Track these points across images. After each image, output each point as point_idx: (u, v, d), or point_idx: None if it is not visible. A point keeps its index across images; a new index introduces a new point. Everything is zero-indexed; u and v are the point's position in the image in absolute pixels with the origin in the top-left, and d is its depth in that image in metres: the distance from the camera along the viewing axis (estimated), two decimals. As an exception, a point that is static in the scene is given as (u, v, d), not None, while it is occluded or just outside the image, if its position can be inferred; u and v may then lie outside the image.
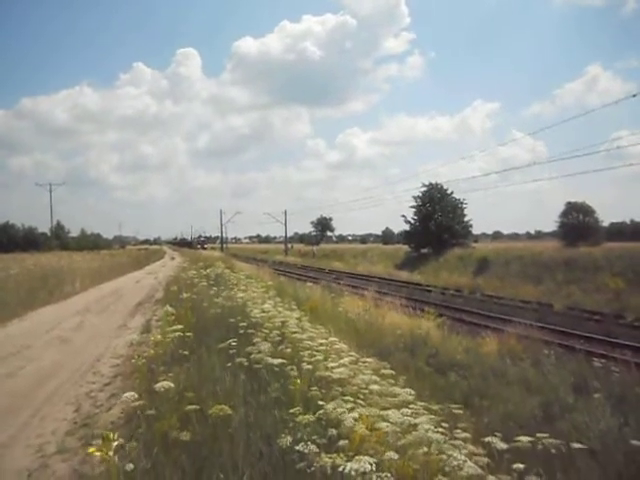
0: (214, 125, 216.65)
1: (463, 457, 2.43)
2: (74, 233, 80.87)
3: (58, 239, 69.25)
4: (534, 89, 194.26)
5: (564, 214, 49.43)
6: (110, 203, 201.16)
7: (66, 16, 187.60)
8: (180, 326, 5.75)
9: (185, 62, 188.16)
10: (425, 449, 2.56)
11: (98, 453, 2.38)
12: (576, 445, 3.18)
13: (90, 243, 74.61)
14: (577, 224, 47.64)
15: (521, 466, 2.59)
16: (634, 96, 21.40)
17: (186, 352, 5.47)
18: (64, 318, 12.50)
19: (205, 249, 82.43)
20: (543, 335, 11.97)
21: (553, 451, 2.91)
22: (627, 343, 12.04)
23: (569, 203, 49.51)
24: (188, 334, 5.65)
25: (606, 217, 60.65)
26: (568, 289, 22.77)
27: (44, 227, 73.59)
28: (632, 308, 17.33)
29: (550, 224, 57.04)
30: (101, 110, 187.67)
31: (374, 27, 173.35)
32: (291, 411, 3.28)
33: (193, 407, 3.49)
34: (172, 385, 3.64)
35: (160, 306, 11.58)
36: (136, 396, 3.54)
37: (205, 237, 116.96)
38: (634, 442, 3.85)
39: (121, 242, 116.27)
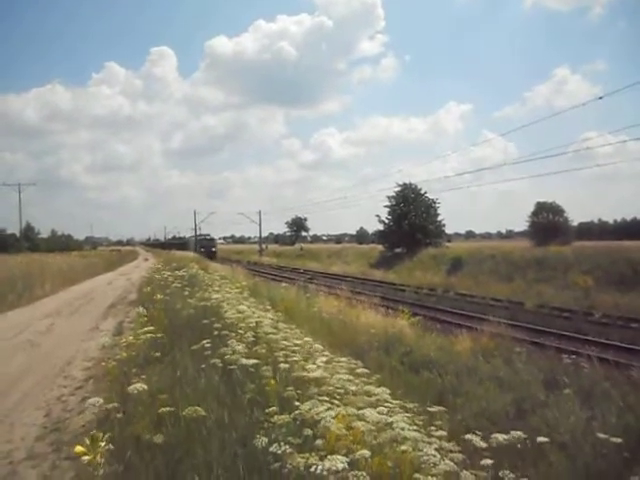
0: (188, 125, 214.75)
1: (438, 454, 2.45)
2: (44, 234, 79.40)
3: (28, 240, 67.71)
4: (505, 91, 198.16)
5: (534, 214, 50.48)
6: (82, 204, 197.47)
7: (37, 14, 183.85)
8: (153, 328, 5.68)
9: (159, 61, 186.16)
10: (401, 447, 2.57)
11: (86, 458, 2.33)
12: (547, 439, 3.25)
13: (61, 244, 73.31)
14: (547, 223, 48.66)
15: (495, 461, 2.63)
16: (600, 98, 22.09)
17: (159, 354, 5.40)
18: (34, 321, 12.21)
19: (213, 254, 54.03)
20: (515, 333, 12.16)
21: (526, 446, 2.96)
22: (595, 339, 12.36)
23: (539, 203, 50.58)
24: (161, 336, 5.59)
25: (575, 216, 62.16)
26: (538, 287, 23.17)
27: (13, 228, 71.94)
28: (600, 305, 17.78)
29: (521, 224, 58.13)
30: (73, 109, 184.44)
31: (350, 29, 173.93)
32: (266, 411, 3.27)
33: (167, 409, 3.44)
34: (145, 387, 3.58)
35: (133, 308, 11.41)
36: (108, 399, 3.48)
37: (202, 236, 70.20)
38: (600, 435, 3.97)
39: (93, 243, 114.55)
